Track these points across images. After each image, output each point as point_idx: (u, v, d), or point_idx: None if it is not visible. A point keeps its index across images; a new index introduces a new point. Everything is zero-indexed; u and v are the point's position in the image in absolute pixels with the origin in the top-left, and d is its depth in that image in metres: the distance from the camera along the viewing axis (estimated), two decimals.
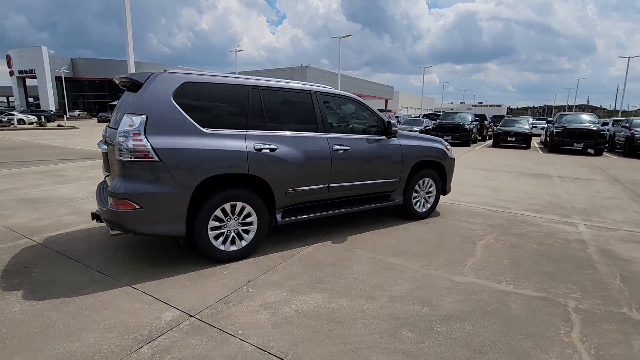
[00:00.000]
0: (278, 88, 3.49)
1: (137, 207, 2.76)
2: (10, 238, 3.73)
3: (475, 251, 3.65)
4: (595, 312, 2.56)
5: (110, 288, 2.74)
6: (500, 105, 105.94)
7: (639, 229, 4.49)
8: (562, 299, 2.73)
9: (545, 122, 24.38)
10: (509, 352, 2.10)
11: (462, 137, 16.04)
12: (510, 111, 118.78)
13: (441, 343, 2.17)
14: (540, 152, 14.59)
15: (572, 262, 3.45)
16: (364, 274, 3.09)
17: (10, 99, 66.36)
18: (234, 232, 3.24)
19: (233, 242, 3.25)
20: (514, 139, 15.78)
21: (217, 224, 3.12)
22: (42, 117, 27.38)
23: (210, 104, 3.12)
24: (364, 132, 4.12)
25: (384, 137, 4.17)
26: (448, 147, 4.91)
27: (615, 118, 20.55)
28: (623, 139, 14.14)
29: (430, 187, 4.73)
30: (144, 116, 2.77)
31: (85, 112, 49.82)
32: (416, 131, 17.06)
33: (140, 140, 2.73)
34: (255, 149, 3.18)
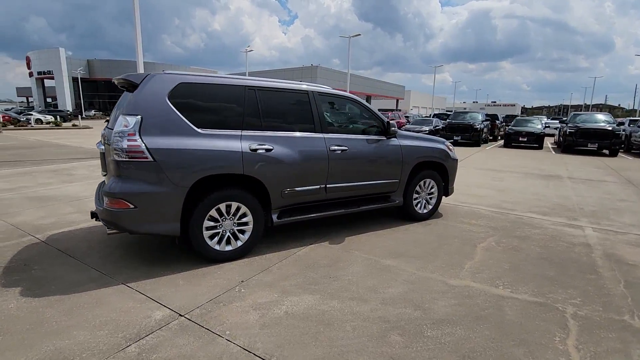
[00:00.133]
0: (275, 88, 3.49)
1: (132, 206, 2.79)
2: (15, 235, 3.82)
3: (474, 254, 3.59)
4: (594, 319, 2.48)
5: (105, 286, 2.78)
6: (514, 105, 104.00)
7: None
8: (561, 305, 2.65)
9: (558, 122, 23.84)
10: (498, 359, 2.05)
11: (472, 137, 15.81)
12: (524, 111, 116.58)
13: (430, 348, 2.13)
14: (553, 152, 14.27)
15: (574, 266, 3.35)
16: (358, 275, 3.07)
17: (30, 99, 68.26)
18: (230, 232, 3.25)
19: (228, 242, 3.26)
20: (525, 139, 15.45)
21: (212, 223, 3.13)
22: (58, 117, 28.04)
23: (206, 104, 3.13)
24: (362, 132, 4.09)
25: (384, 138, 4.12)
26: (450, 147, 4.84)
27: (631, 118, 19.94)
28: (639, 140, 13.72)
29: (431, 188, 4.66)
30: (138, 117, 2.80)
31: (101, 112, 50.89)
32: (425, 131, 16.90)
33: (135, 140, 2.76)
34: (251, 150, 3.18)
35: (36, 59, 53.34)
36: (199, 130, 3.01)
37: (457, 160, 4.93)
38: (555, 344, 2.20)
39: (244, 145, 3.15)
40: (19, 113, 31.60)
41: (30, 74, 55.26)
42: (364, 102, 4.22)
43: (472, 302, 2.66)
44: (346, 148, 3.77)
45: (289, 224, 4.10)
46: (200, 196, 3.05)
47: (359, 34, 30.52)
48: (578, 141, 13.49)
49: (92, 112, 48.93)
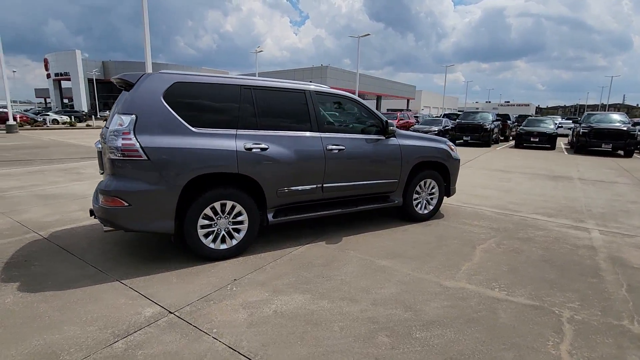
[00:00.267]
0: (271, 88, 3.49)
1: (126, 204, 2.83)
2: (20, 232, 3.92)
3: (473, 255, 3.52)
4: (591, 324, 2.40)
5: (100, 283, 2.83)
6: (528, 105, 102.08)
7: None
8: (557, 309, 2.58)
9: (572, 122, 23.30)
10: None
11: (482, 137, 15.57)
12: (539, 111, 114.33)
13: (417, 350, 2.10)
14: (566, 153, 13.94)
15: (576, 269, 3.26)
16: (351, 275, 3.04)
17: (48, 100, 70.02)
18: (225, 230, 3.26)
19: (223, 241, 3.27)
20: (537, 140, 15.15)
21: (207, 222, 3.15)
22: (72, 117, 28.72)
23: (201, 103, 3.15)
24: (361, 131, 4.06)
25: (382, 137, 4.08)
26: (452, 147, 4.76)
27: None
28: None
29: (432, 188, 4.60)
30: (133, 116, 2.84)
31: None
32: (434, 131, 16.71)
33: (130, 139, 2.80)
34: (246, 149, 3.19)
35: (53, 60, 54.68)
36: (193, 129, 3.03)
37: (459, 160, 4.85)
38: (548, 349, 2.14)
39: (238, 144, 3.16)
40: (37, 113, 32.50)
41: (48, 76, 56.67)
42: (363, 101, 4.19)
43: (465, 304, 2.61)
44: (343, 147, 3.75)
45: (285, 223, 4.11)
46: (195, 195, 3.07)
47: (368, 34, 30.40)
48: (591, 141, 13.15)
49: (107, 112, 49.91)
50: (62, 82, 57.18)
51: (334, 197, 3.87)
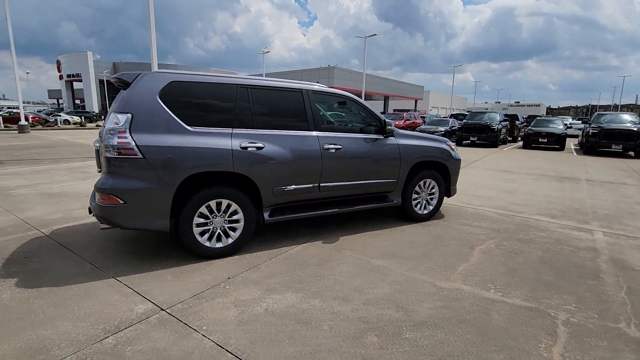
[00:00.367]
0: (268, 87, 3.50)
1: (122, 202, 2.86)
2: (22, 229, 3.99)
3: (471, 256, 3.48)
4: (586, 326, 2.35)
5: (96, 279, 2.86)
6: (539, 105, 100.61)
7: None
8: (553, 311, 2.53)
9: (582, 122, 22.91)
10: None
11: (489, 137, 15.40)
12: (550, 111, 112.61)
13: (405, 350, 2.08)
14: (575, 154, 13.71)
15: (576, 271, 3.20)
16: (345, 275, 3.03)
17: (60, 101, 71.28)
18: (220, 229, 3.28)
19: (219, 239, 3.29)
20: (545, 140, 14.92)
21: (202, 220, 3.17)
22: (83, 117, 29.21)
23: (197, 102, 3.17)
24: (359, 131, 4.04)
25: (381, 137, 4.06)
26: (453, 147, 4.72)
27: None
28: None
29: (432, 188, 4.56)
30: (129, 114, 2.87)
31: None
32: (441, 132, 16.58)
33: (125, 137, 2.83)
34: (241, 147, 3.20)
35: (66, 62, 55.68)
36: (189, 128, 3.05)
37: (460, 160, 4.80)
38: (540, 351, 2.10)
39: (234, 143, 3.18)
40: (49, 114, 33.12)
41: (61, 77, 57.71)
42: (361, 100, 4.17)
43: (458, 305, 2.58)
44: (340, 147, 3.74)
45: (283, 223, 4.12)
46: (190, 193, 3.09)
47: (375, 34, 30.33)
48: (601, 142, 12.91)
49: None
50: (74, 83, 58.17)
51: (331, 197, 3.86)
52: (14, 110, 23.78)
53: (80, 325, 2.25)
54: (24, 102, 20.04)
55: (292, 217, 3.59)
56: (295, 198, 3.62)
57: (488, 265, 3.27)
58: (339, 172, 3.77)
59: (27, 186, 6.18)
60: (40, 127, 24.33)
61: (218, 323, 2.31)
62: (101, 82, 53.55)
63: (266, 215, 3.48)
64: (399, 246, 3.70)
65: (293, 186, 3.51)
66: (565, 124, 17.59)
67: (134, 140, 2.84)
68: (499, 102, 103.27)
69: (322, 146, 3.64)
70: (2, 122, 23.30)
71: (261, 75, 38.87)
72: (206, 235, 3.22)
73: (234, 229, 3.34)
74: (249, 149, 3.24)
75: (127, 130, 2.84)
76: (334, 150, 3.70)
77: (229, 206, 3.25)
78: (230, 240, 3.32)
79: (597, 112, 15.76)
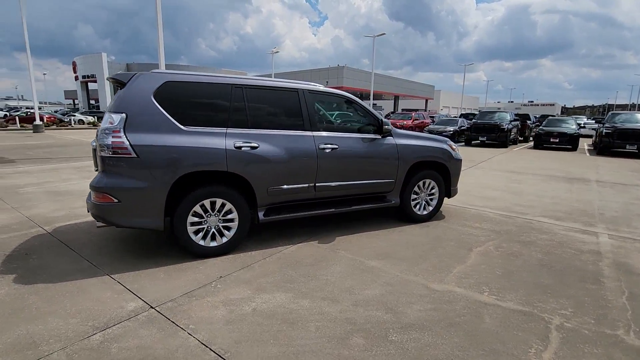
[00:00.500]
0: (263, 87, 3.50)
1: (116, 200, 2.90)
2: (26, 227, 4.08)
3: (468, 258, 3.42)
4: (581, 332, 2.29)
5: (91, 277, 2.91)
6: (553, 104, 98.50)
7: None
8: (547, 315, 2.47)
9: (596, 122, 22.35)
10: None
11: (498, 137, 15.14)
12: (565, 110, 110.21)
13: (390, 353, 2.05)
14: (588, 154, 13.37)
15: (576, 275, 3.11)
16: (338, 275, 3.01)
17: (76, 101, 72.87)
18: (215, 228, 3.29)
19: (213, 238, 3.30)
20: (557, 140, 14.60)
21: (196, 219, 3.19)
22: (97, 117, 29.84)
23: (192, 102, 3.19)
24: (357, 131, 4.02)
25: (378, 136, 4.03)
26: (453, 147, 4.65)
27: None
28: None
29: (432, 188, 4.50)
30: (123, 114, 2.90)
31: None
32: (450, 131, 16.38)
33: (120, 137, 2.87)
34: (235, 147, 3.21)
35: (81, 63, 56.85)
36: (183, 127, 3.07)
37: (461, 160, 4.73)
38: (529, 356, 2.04)
39: (228, 143, 3.19)
40: (64, 114, 33.93)
41: (76, 78, 58.95)
42: (359, 100, 4.14)
43: (449, 308, 2.53)
44: (337, 146, 3.72)
45: (279, 222, 4.12)
46: (185, 192, 3.12)
47: (384, 33, 30.11)
48: (615, 142, 12.57)
49: None
50: (89, 83, 59.38)
51: (328, 197, 3.84)
52: (31, 111, 24.44)
53: (70, 322, 2.28)
54: (41, 103, 20.59)
55: (287, 216, 3.58)
56: (291, 198, 3.62)
57: (484, 268, 3.21)
58: (335, 172, 3.75)
59: (35, 184, 6.33)
60: (54, 126, 24.91)
61: (205, 322, 2.32)
62: None
63: (261, 214, 3.48)
64: (395, 247, 3.67)
65: (288, 186, 3.51)
66: (579, 124, 17.19)
67: (128, 140, 2.87)
68: (512, 102, 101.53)
69: (318, 146, 3.62)
70: (18, 122, 23.98)
71: (270, 75, 39.03)
72: (200, 234, 3.24)
73: (228, 228, 3.35)
74: (243, 148, 3.24)
75: (122, 130, 2.88)
76: (329, 150, 3.68)
77: (223, 205, 3.27)
78: (224, 240, 3.34)
79: (611, 112, 15.35)
